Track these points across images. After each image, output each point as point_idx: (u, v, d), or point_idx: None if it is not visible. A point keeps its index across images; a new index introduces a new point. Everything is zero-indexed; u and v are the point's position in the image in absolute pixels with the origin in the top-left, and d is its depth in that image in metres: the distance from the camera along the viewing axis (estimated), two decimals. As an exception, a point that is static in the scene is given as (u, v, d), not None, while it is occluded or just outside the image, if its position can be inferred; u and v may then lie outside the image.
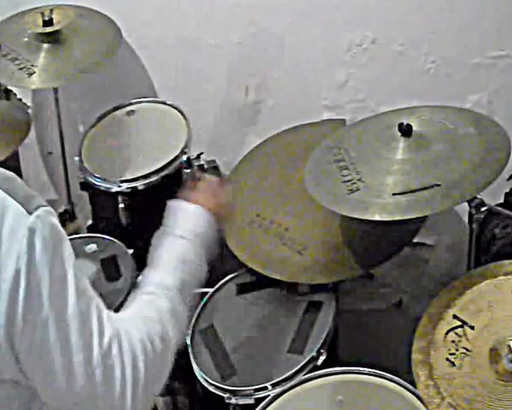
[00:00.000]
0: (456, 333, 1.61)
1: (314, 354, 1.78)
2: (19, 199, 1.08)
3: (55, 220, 1.11)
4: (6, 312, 1.06)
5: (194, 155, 2.33)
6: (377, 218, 1.67)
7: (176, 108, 2.37)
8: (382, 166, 1.76)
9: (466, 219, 1.92)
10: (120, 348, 1.15)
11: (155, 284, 1.32)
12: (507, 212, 1.98)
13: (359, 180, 1.75)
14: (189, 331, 1.89)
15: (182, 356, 1.88)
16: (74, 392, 1.12)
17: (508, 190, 2.19)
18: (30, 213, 1.07)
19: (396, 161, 1.76)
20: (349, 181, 1.76)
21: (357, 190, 1.73)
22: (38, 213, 1.08)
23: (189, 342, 1.87)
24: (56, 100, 2.44)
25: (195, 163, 2.29)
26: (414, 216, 1.68)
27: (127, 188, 2.18)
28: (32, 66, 2.27)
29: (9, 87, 2.51)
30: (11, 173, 1.13)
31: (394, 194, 1.69)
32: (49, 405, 1.20)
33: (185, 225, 1.41)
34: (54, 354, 1.10)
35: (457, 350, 1.58)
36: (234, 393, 1.76)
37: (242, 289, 1.99)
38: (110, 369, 1.13)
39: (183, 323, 1.31)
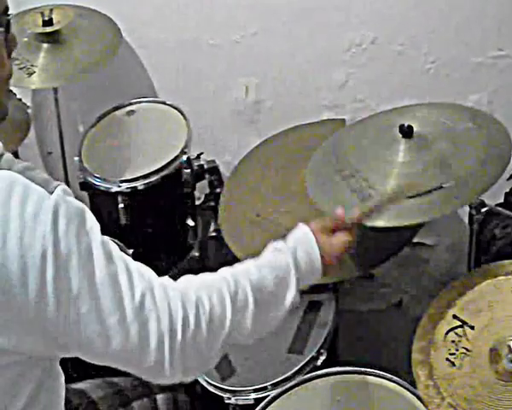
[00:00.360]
0: (456, 333, 1.61)
1: (314, 354, 1.78)
2: (40, 183, 1.11)
3: (72, 197, 1.14)
4: (36, 293, 1.07)
5: (194, 155, 2.33)
6: (392, 224, 1.66)
7: (176, 108, 2.37)
8: (385, 170, 1.76)
9: (466, 220, 1.92)
10: (154, 300, 1.14)
11: (233, 270, 1.30)
12: (507, 212, 1.98)
13: (369, 187, 1.74)
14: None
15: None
16: (112, 352, 1.14)
17: (508, 190, 2.19)
18: (50, 193, 1.10)
19: (398, 164, 1.76)
20: (358, 189, 1.75)
21: (370, 196, 1.72)
22: (58, 193, 1.11)
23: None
24: (56, 100, 2.44)
25: (195, 163, 2.29)
26: (425, 220, 1.68)
27: (127, 188, 2.18)
28: (32, 66, 2.27)
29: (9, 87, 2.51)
30: (29, 163, 1.15)
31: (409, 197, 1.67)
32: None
33: (294, 244, 1.39)
34: (89, 323, 1.11)
35: (457, 350, 1.58)
36: (233, 393, 1.76)
37: (242, 289, 1.98)
38: (145, 322, 1.13)
39: (246, 318, 1.25)
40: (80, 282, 1.10)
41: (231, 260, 1.99)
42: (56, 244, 1.08)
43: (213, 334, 1.21)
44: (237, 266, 1.32)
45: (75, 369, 1.68)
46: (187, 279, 1.24)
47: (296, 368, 1.75)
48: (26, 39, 2.33)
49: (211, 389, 1.79)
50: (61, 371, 1.30)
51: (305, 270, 1.37)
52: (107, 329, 1.11)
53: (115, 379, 1.72)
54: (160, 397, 1.74)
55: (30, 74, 2.25)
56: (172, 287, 1.18)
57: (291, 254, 1.36)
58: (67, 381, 1.35)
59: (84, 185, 2.25)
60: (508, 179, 2.13)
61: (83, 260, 1.10)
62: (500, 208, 1.99)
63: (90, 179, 2.22)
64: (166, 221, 2.29)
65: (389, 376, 1.66)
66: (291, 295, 1.33)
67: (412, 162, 1.75)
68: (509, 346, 1.52)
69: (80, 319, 1.10)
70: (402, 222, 1.66)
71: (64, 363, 1.28)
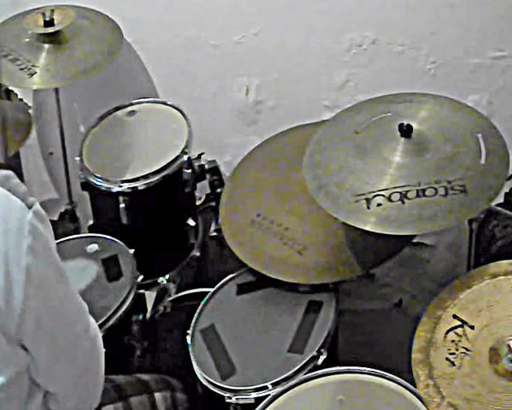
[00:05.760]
0: (456, 333, 1.61)
1: (314, 353, 1.78)
2: (19, 196, 1.13)
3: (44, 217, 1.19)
4: (21, 303, 1.10)
5: (194, 155, 2.33)
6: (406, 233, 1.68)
7: (176, 109, 2.37)
8: (386, 171, 1.77)
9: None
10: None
11: None
12: (507, 212, 1.99)
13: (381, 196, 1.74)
14: (190, 331, 1.89)
15: (182, 355, 1.90)
16: (77, 360, 1.25)
17: (508, 190, 2.19)
18: (29, 208, 1.13)
19: (396, 165, 1.77)
20: (362, 194, 1.75)
21: (379, 205, 1.72)
22: (36, 209, 1.14)
23: (189, 341, 1.87)
24: (57, 100, 2.44)
25: (196, 163, 2.30)
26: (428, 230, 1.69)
27: (128, 188, 2.19)
28: (33, 66, 2.27)
29: (10, 87, 2.51)
30: (8, 172, 1.16)
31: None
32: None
33: None
34: (63, 340, 1.20)
35: (457, 350, 1.58)
36: (234, 392, 1.76)
37: (242, 289, 1.99)
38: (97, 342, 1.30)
39: None
40: (59, 297, 1.17)
41: (232, 259, 2.02)
42: (37, 257, 1.12)
43: None
44: None
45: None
46: None
47: (296, 368, 1.75)
48: (27, 40, 2.33)
49: (211, 388, 1.79)
50: None
51: None
52: (76, 351, 1.24)
53: (113, 377, 1.73)
54: (158, 395, 1.75)
55: (31, 75, 2.25)
56: None
57: None
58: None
59: (85, 185, 2.25)
60: (507, 179, 2.13)
61: (59, 274, 1.17)
62: (500, 208, 1.99)
63: (91, 179, 2.23)
64: (167, 221, 2.30)
65: (389, 376, 1.66)
66: None
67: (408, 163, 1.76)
68: (508, 346, 1.52)
69: (56, 331, 1.18)
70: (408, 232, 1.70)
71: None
